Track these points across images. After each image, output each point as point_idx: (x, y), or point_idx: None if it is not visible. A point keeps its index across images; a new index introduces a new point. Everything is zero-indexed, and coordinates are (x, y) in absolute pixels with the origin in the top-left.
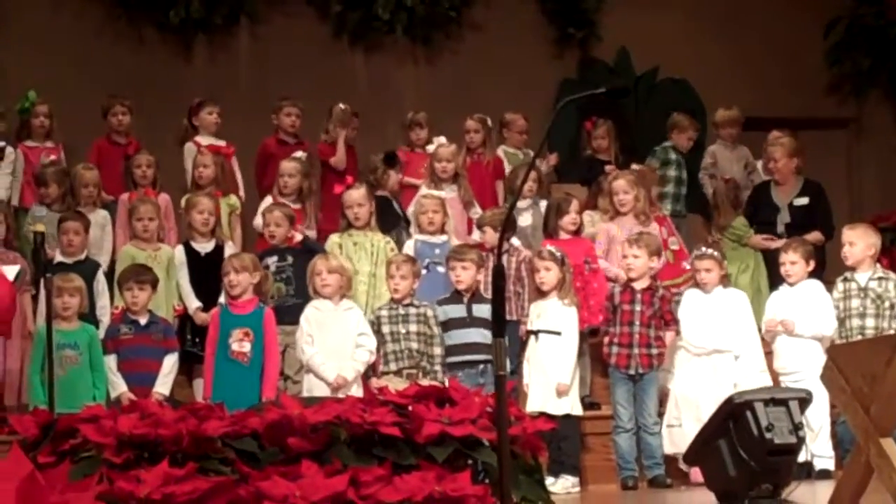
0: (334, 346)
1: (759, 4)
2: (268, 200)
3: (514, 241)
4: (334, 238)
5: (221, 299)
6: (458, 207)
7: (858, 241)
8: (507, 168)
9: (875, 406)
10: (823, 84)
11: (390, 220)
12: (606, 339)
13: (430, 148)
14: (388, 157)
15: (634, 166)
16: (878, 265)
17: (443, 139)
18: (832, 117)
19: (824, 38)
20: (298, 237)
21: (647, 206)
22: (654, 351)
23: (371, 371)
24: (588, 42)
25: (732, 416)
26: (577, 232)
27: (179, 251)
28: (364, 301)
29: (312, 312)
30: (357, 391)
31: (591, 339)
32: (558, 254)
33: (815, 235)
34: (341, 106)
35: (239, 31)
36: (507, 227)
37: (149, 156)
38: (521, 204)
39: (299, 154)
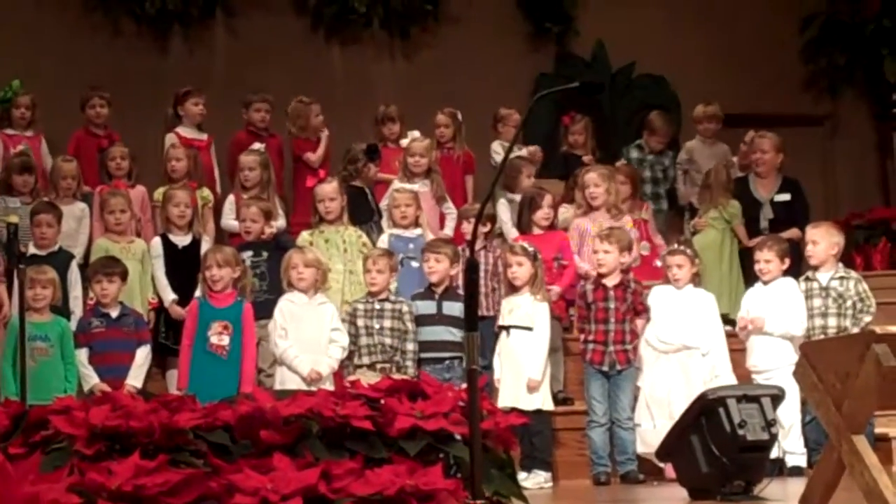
0: (308, 340)
1: (735, 1)
2: (231, 199)
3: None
4: (305, 235)
5: (198, 293)
6: (431, 202)
7: (821, 241)
8: (495, 161)
9: (847, 403)
10: (799, 81)
11: (364, 213)
12: (582, 337)
13: (404, 142)
14: (370, 149)
15: (619, 164)
16: (841, 264)
17: (416, 133)
18: (808, 114)
19: (800, 35)
20: (274, 225)
21: (619, 200)
22: (630, 346)
23: (349, 364)
24: (565, 37)
25: (705, 412)
26: (551, 227)
27: (156, 243)
28: (339, 299)
29: (286, 305)
30: (329, 387)
31: (564, 335)
32: (531, 249)
33: (793, 232)
34: (299, 101)
35: (215, 23)
36: (483, 220)
37: (123, 148)
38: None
39: (257, 146)
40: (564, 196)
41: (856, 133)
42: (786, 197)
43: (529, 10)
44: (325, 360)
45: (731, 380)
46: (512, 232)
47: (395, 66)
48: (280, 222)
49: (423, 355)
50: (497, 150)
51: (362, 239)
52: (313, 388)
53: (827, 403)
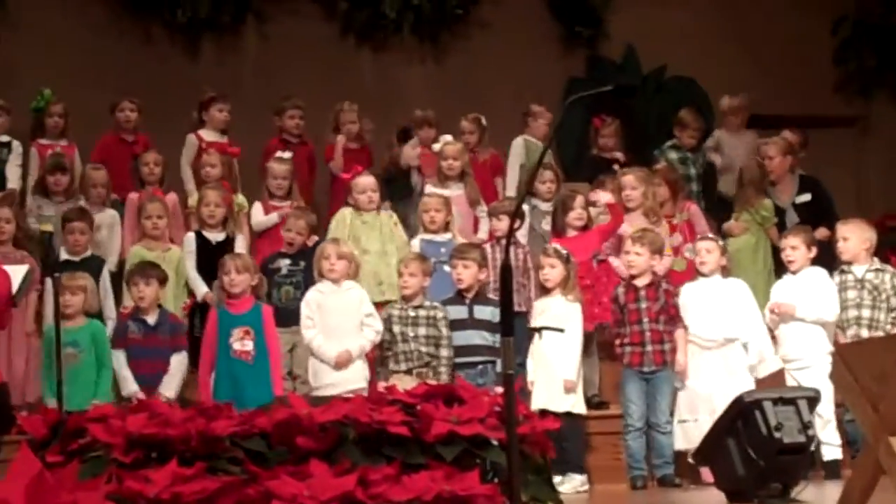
0: (335, 326)
1: (766, 2)
2: (258, 205)
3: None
4: (345, 212)
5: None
6: (465, 206)
7: (852, 236)
8: (521, 157)
9: (884, 404)
10: (831, 82)
11: (402, 191)
12: (618, 341)
13: (436, 146)
14: (402, 132)
15: (658, 166)
16: (876, 259)
17: (449, 137)
18: (839, 115)
19: (832, 37)
20: (314, 238)
21: (656, 203)
22: (667, 346)
23: (384, 370)
24: (595, 40)
25: (741, 415)
26: (585, 227)
27: (190, 238)
28: (371, 280)
29: (314, 295)
30: (363, 368)
31: (600, 338)
32: (563, 251)
33: (821, 232)
34: (338, 105)
35: (246, 30)
36: (518, 217)
37: (157, 155)
38: (543, 206)
39: (287, 155)
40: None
41: (888, 134)
42: (806, 197)
43: (560, 14)
44: (356, 340)
45: (777, 363)
46: (523, 239)
47: (425, 71)
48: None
49: (456, 360)
50: (519, 146)
51: (394, 219)
52: (343, 371)
53: (863, 405)
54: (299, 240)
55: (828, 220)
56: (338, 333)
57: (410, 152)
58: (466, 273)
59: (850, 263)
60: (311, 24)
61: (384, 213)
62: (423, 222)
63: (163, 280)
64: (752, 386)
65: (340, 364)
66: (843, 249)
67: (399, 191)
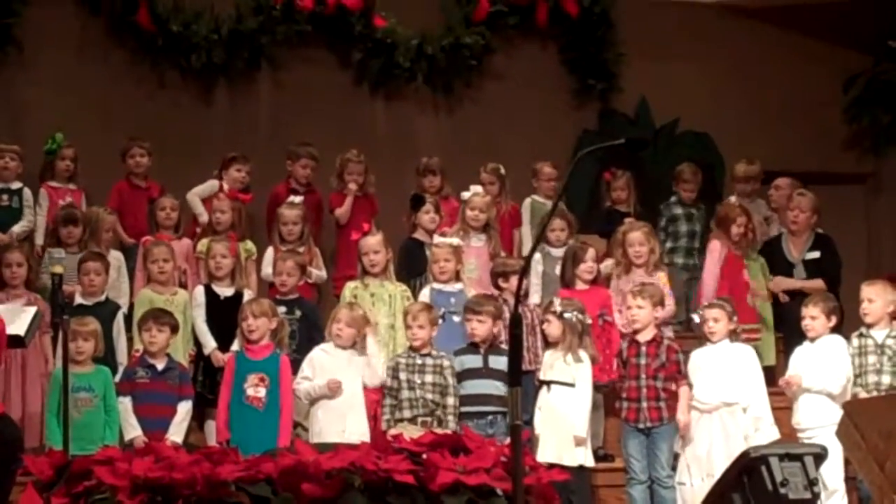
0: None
1: (779, 58)
2: (270, 252)
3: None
4: (350, 286)
5: (235, 346)
6: (485, 258)
7: (877, 298)
8: (528, 218)
9: (890, 462)
10: (842, 139)
11: (418, 264)
12: (619, 395)
13: (465, 195)
14: (414, 199)
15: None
16: (895, 322)
17: (478, 188)
18: (850, 172)
19: (844, 94)
20: (310, 281)
21: (660, 258)
22: (663, 403)
23: (390, 418)
24: (608, 93)
25: (747, 470)
26: (595, 280)
27: (199, 292)
28: (385, 353)
29: (318, 355)
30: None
31: (604, 391)
32: (558, 308)
33: (815, 283)
34: (347, 154)
35: (260, 76)
36: (526, 275)
37: (173, 199)
38: (554, 252)
39: (298, 199)
40: (607, 252)
41: None
42: (816, 255)
43: (573, 67)
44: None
45: (774, 432)
46: (533, 292)
47: (438, 121)
48: (322, 273)
49: (468, 409)
50: (526, 206)
51: (406, 293)
52: (337, 398)
53: (869, 462)
54: (290, 281)
55: (827, 274)
56: (344, 399)
57: (424, 217)
58: (482, 328)
59: (870, 326)
60: (325, 72)
61: (395, 286)
62: (433, 272)
63: (175, 328)
64: None
65: (333, 389)
66: (868, 311)
67: (415, 265)
